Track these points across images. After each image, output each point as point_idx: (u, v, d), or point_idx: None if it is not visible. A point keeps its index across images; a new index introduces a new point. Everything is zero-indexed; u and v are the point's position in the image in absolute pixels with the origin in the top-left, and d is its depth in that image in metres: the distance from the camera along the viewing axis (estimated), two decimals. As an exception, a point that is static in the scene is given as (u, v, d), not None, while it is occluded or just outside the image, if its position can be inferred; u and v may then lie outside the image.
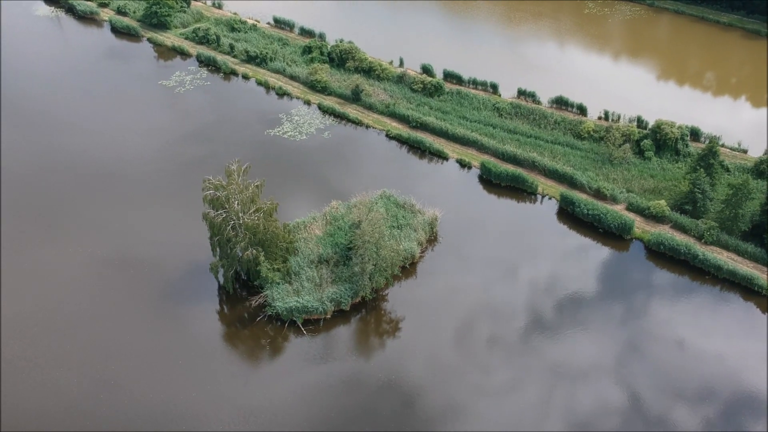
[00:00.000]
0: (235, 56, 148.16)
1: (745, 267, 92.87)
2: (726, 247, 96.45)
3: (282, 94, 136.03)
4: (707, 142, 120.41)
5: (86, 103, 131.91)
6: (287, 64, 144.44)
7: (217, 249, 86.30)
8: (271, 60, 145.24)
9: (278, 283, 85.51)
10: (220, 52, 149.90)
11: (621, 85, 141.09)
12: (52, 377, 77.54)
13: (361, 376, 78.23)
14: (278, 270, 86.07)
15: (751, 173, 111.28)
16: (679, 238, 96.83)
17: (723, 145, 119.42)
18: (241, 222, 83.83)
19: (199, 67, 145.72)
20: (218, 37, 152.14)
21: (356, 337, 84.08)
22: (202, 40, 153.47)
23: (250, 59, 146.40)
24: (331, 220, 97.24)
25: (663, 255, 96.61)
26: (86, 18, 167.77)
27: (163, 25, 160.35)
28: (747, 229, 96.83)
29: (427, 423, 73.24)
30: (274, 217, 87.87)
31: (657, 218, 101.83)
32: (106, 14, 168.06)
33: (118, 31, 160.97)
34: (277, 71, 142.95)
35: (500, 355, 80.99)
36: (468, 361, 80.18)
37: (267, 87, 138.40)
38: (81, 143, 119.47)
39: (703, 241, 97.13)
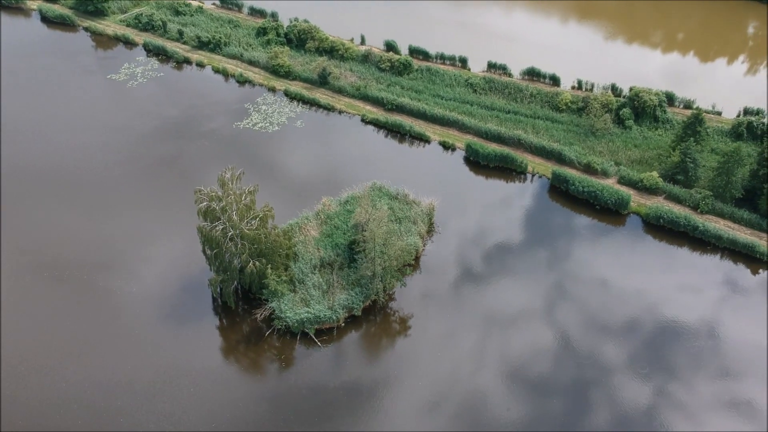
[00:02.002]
0: (185, 43, 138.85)
1: (743, 234, 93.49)
2: (721, 215, 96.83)
3: (243, 81, 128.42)
4: (682, 106, 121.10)
5: (28, 105, 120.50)
6: (243, 48, 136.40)
7: (215, 263, 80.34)
8: (225, 45, 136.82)
9: (284, 294, 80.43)
10: (168, 39, 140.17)
11: (578, 49, 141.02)
12: (53, 421, 70.79)
13: (386, 385, 74.72)
14: (284, 281, 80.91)
15: (729, 136, 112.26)
16: (677, 210, 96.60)
17: (697, 108, 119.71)
18: (239, 233, 78.07)
19: (148, 57, 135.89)
20: (164, 23, 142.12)
21: (374, 344, 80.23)
22: (147, 26, 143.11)
23: (203, 45, 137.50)
24: (326, 219, 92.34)
25: (660, 228, 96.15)
26: (11, 8, 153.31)
27: (100, 12, 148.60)
28: (740, 196, 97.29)
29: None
30: (273, 224, 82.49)
31: (650, 190, 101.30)
32: (33, 2, 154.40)
33: (49, 21, 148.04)
34: (233, 57, 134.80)
35: (532, 351, 79.04)
36: (496, 362, 77.90)
37: (225, 74, 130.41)
38: (30, 150, 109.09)
39: (699, 210, 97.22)
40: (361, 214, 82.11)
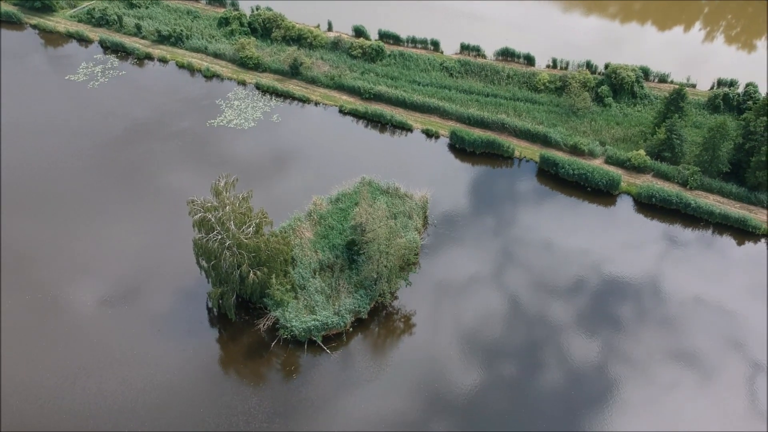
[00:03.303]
0: (144, 37, 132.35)
1: (733, 208, 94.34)
2: (710, 190, 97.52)
3: (210, 76, 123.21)
4: (656, 80, 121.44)
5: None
6: (207, 40, 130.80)
7: (213, 275, 76.75)
8: (187, 38, 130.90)
9: (289, 303, 77.50)
10: (125, 34, 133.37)
11: (535, 24, 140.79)
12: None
13: (403, 388, 72.90)
14: (288, 290, 77.97)
15: (706, 108, 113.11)
16: (669, 188, 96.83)
17: (672, 82, 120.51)
18: (237, 242, 74.51)
19: (106, 54, 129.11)
20: (120, 17, 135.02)
21: (385, 347, 77.76)
22: (101, 21, 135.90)
23: (163, 39, 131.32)
24: (319, 219, 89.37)
25: (651, 206, 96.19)
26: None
27: (47, 8, 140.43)
28: (728, 170, 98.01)
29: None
30: (272, 230, 79.29)
31: (638, 169, 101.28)
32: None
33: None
34: (197, 50, 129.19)
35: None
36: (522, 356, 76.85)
37: (191, 69, 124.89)
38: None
39: (688, 186, 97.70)
40: (361, 214, 79.38)
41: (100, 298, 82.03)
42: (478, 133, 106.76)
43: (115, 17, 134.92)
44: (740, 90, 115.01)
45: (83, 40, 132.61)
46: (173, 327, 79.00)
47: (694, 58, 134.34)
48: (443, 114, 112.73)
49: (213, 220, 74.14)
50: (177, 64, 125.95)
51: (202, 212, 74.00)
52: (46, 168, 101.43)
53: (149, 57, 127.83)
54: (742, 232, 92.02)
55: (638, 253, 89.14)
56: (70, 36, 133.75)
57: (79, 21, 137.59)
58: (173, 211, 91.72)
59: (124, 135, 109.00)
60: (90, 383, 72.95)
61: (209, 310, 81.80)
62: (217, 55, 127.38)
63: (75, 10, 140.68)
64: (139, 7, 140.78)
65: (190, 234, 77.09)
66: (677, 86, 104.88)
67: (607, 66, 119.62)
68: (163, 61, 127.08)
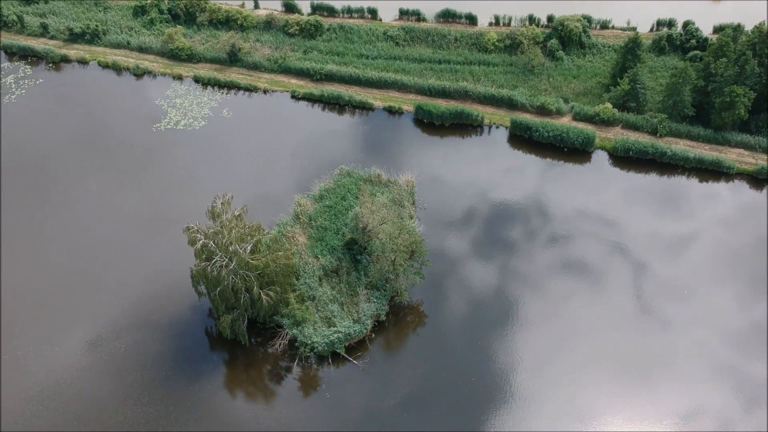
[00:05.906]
0: (53, 37, 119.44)
1: (704, 151, 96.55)
2: (679, 135, 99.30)
3: (140, 73, 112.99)
4: (598, 27, 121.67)
5: None
6: (127, 34, 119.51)
7: (220, 302, 70.86)
8: (104, 33, 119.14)
9: (310, 320, 72.97)
10: (30, 35, 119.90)
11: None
12: None
13: (452, 384, 70.84)
14: (307, 307, 73.29)
15: (653, 51, 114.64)
16: (641, 138, 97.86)
17: (613, 27, 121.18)
18: (242, 264, 68.93)
19: (13, 61, 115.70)
20: (20, 17, 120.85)
21: (413, 344, 74.78)
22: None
23: (77, 37, 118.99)
24: (308, 221, 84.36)
25: (627, 159, 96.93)
26: None
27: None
28: (693, 114, 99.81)
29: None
30: (267, 241, 73.98)
31: (606, 122, 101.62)
32: None
33: None
34: (118, 46, 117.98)
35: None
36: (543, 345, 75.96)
37: (117, 68, 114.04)
38: None
39: (657, 135, 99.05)
40: (365, 214, 75.20)
41: (84, 339, 74.25)
42: (444, 104, 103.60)
43: (15, 17, 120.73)
44: (680, 30, 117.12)
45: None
46: (181, 360, 72.77)
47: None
48: (401, 87, 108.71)
49: (213, 245, 68.07)
50: (99, 64, 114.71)
51: (203, 239, 67.67)
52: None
53: (65, 59, 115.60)
54: (718, 173, 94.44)
55: (647, 208, 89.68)
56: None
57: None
58: (139, 236, 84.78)
59: (60, 152, 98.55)
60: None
61: (209, 335, 76.16)
62: (142, 50, 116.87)
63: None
64: (37, 3, 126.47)
65: (167, 259, 72.23)
66: (624, 31, 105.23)
67: (551, 18, 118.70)
68: (83, 62, 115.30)
